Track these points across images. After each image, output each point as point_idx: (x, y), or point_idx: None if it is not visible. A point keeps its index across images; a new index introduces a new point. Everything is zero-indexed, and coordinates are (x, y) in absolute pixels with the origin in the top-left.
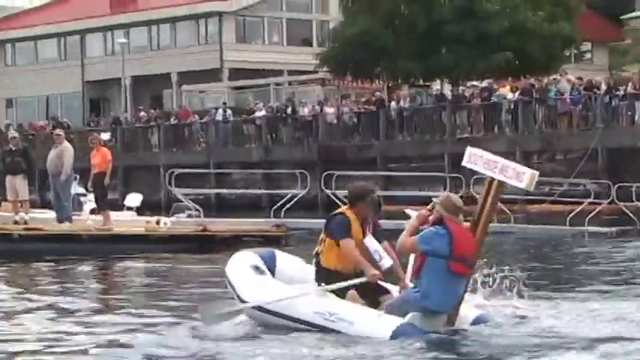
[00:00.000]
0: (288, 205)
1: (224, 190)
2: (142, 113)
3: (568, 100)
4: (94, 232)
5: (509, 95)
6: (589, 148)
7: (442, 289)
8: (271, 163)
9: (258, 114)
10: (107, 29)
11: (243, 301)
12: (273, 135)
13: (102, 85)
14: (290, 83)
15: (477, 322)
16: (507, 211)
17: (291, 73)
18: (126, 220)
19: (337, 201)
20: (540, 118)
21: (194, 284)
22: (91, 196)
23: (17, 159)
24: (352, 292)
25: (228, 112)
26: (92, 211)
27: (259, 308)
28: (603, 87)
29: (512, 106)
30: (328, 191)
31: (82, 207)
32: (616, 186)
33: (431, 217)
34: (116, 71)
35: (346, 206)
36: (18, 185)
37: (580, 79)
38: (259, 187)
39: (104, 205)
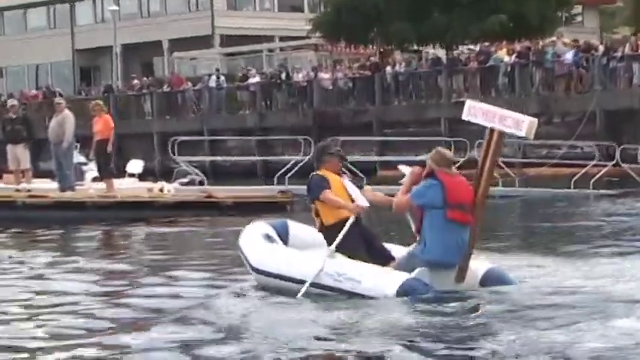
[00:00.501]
0: (292, 172)
1: (225, 157)
2: (135, 81)
3: (565, 62)
4: (98, 199)
5: (506, 58)
6: (587, 110)
7: (442, 238)
8: (266, 129)
9: (252, 80)
10: None
11: (253, 268)
12: (268, 101)
13: (92, 54)
14: (283, 49)
15: (487, 277)
16: (512, 174)
17: (282, 39)
18: (128, 187)
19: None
20: (537, 81)
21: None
22: (93, 165)
23: (17, 127)
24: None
25: (222, 78)
26: (94, 180)
27: (255, 270)
28: (601, 49)
29: (509, 69)
30: None
31: (83, 176)
32: (620, 147)
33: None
34: (106, 39)
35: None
36: (19, 154)
37: (576, 41)
38: (254, 153)
39: (107, 172)
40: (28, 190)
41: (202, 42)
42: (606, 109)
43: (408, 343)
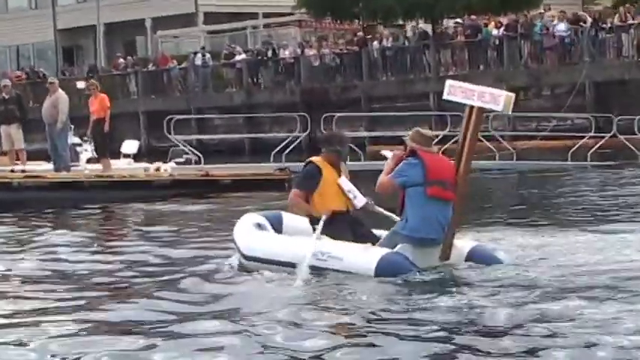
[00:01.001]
0: (289, 149)
1: (221, 136)
2: (120, 60)
3: (557, 34)
4: (96, 179)
5: (495, 32)
6: (576, 82)
7: (423, 214)
8: (252, 106)
9: (238, 58)
10: None
11: (243, 255)
12: (254, 79)
13: (74, 33)
14: (267, 26)
15: (473, 254)
16: (510, 148)
17: (266, 15)
18: (123, 168)
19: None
20: (526, 54)
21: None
22: (87, 146)
23: (11, 107)
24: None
25: (207, 56)
26: (89, 161)
27: (245, 257)
28: (589, 20)
29: (497, 43)
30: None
31: (78, 157)
32: (617, 119)
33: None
34: (88, 19)
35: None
36: (13, 134)
37: (563, 12)
38: (241, 131)
39: (104, 152)
40: (23, 171)
41: (185, 20)
42: (596, 80)
43: (379, 320)
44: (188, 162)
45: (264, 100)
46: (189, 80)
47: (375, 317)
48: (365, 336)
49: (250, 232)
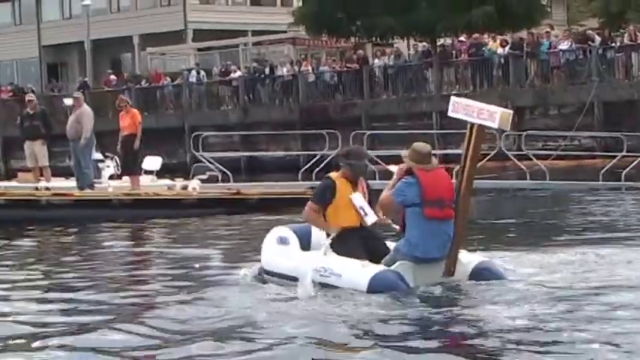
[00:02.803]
0: (320, 166)
1: (254, 153)
2: (112, 77)
3: (561, 53)
4: (125, 197)
5: (500, 50)
6: (584, 102)
7: (422, 235)
8: (249, 125)
9: (234, 75)
10: None
11: (263, 269)
12: (250, 96)
13: (59, 50)
14: (260, 43)
15: (477, 270)
16: (543, 167)
17: (255, 33)
18: (147, 185)
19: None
20: (532, 73)
21: None
22: (109, 162)
23: (36, 123)
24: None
25: (202, 73)
26: (111, 177)
27: (267, 272)
28: (597, 39)
29: (502, 61)
30: None
31: (100, 173)
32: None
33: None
34: (74, 35)
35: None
36: (37, 151)
37: (568, 31)
38: (238, 149)
39: (134, 169)
40: (47, 189)
41: (174, 37)
42: (605, 100)
43: (368, 336)
44: (212, 179)
45: (261, 118)
46: (184, 97)
47: (369, 332)
48: (357, 351)
49: (271, 247)
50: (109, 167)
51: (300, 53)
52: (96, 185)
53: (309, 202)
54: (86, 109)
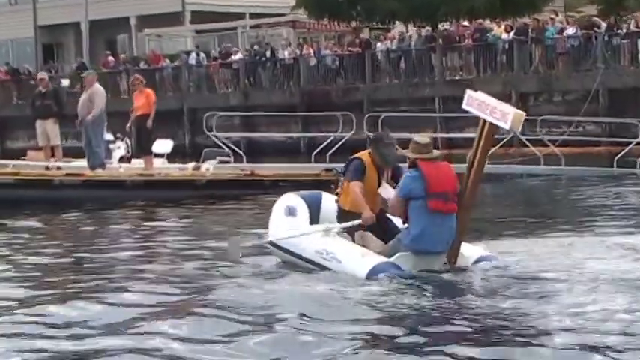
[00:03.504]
0: (333, 149)
1: (264, 135)
2: (110, 58)
3: (566, 39)
4: (138, 178)
5: (504, 35)
6: (589, 88)
7: (425, 227)
8: (249, 107)
9: (234, 57)
10: None
11: (269, 241)
12: (251, 79)
13: (55, 31)
14: (259, 26)
15: (480, 261)
16: (558, 153)
17: (253, 16)
18: (159, 168)
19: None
20: (537, 59)
21: None
22: (120, 143)
23: (47, 102)
24: (361, 232)
25: (202, 55)
26: (121, 159)
27: (273, 244)
28: (603, 26)
29: (506, 47)
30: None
31: (110, 154)
32: None
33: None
34: (70, 15)
35: (367, 150)
36: (49, 130)
37: (572, 17)
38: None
39: (147, 149)
40: (59, 168)
41: (171, 19)
42: (610, 87)
43: (371, 322)
44: (223, 162)
45: (261, 101)
46: (183, 80)
47: (368, 320)
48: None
49: (279, 217)
50: (120, 148)
51: (300, 37)
52: (107, 166)
53: (352, 182)
54: (98, 87)
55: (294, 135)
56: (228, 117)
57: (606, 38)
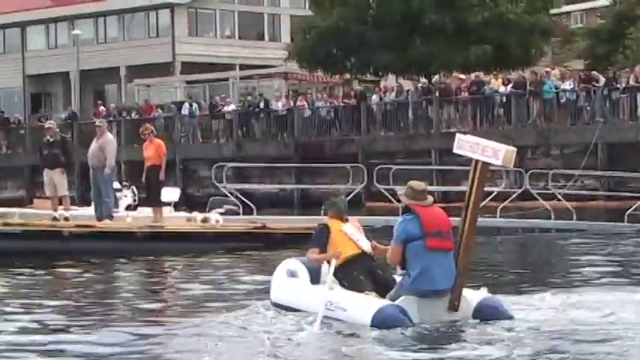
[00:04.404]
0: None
1: (276, 186)
2: (101, 108)
3: (565, 93)
4: (149, 230)
5: (502, 88)
6: (587, 142)
7: (425, 267)
8: (243, 159)
9: (227, 108)
10: (50, 21)
11: (271, 302)
12: (244, 130)
13: (43, 80)
14: (251, 77)
15: (481, 306)
16: (570, 207)
17: (243, 67)
18: (165, 217)
19: (390, 197)
20: (535, 113)
21: None
22: (127, 192)
23: (55, 151)
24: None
25: (195, 106)
26: (128, 207)
27: (276, 305)
28: (602, 80)
29: (504, 100)
30: (381, 187)
31: (117, 203)
32: None
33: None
34: (59, 65)
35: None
36: (56, 180)
37: (569, 70)
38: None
39: (157, 200)
40: (66, 218)
41: (161, 69)
42: (609, 141)
43: None
44: (230, 212)
45: (255, 152)
46: (175, 130)
47: None
48: None
49: (279, 281)
50: (127, 197)
51: (290, 88)
52: (114, 215)
53: (309, 249)
54: (109, 136)
55: (305, 187)
56: (219, 168)
57: (605, 92)
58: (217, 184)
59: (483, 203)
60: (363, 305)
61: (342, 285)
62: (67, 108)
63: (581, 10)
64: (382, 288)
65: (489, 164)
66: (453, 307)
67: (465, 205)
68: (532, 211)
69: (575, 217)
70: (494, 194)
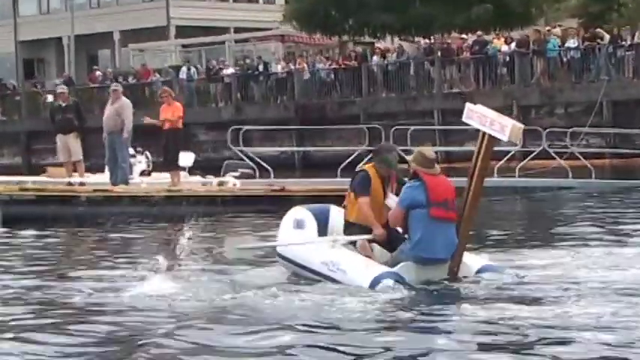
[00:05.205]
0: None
1: (307, 149)
2: (98, 73)
3: (570, 52)
4: (167, 193)
5: (504, 47)
6: (593, 101)
7: (427, 235)
8: (242, 122)
9: (226, 72)
10: None
11: (277, 254)
12: (243, 93)
13: (36, 46)
14: (247, 40)
15: (482, 271)
16: (589, 165)
17: (238, 30)
18: (183, 182)
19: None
20: (539, 71)
21: None
22: (141, 157)
23: (69, 116)
24: (362, 242)
25: (193, 70)
26: (142, 173)
27: (280, 255)
28: (607, 37)
29: (507, 59)
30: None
31: (131, 169)
32: None
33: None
34: (51, 31)
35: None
36: (71, 145)
37: (573, 28)
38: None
39: (176, 164)
40: (81, 184)
41: (155, 33)
42: (614, 99)
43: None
44: (245, 176)
45: (254, 115)
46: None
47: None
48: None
49: (287, 229)
50: (141, 162)
51: (287, 51)
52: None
53: (362, 199)
54: (125, 101)
55: (312, 149)
56: (221, 132)
57: (610, 50)
58: (233, 147)
59: (500, 163)
60: (363, 270)
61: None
62: (60, 74)
63: None
64: (391, 247)
65: (495, 137)
66: (453, 273)
67: (469, 174)
68: (549, 170)
69: (594, 175)
70: (511, 153)
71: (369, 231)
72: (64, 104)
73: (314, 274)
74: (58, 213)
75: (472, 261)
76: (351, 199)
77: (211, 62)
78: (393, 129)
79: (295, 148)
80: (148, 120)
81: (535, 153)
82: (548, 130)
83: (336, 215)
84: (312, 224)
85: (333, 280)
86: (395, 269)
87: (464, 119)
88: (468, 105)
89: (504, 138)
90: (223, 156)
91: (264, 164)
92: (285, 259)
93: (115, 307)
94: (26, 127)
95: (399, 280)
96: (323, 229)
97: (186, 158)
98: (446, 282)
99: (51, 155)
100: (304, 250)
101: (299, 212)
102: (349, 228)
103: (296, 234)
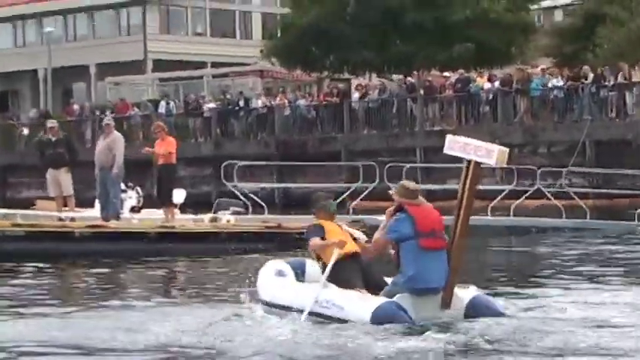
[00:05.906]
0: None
1: (292, 185)
2: (75, 106)
3: (553, 91)
4: (161, 230)
5: (487, 85)
6: (576, 140)
7: (419, 265)
8: (222, 158)
9: (206, 106)
10: (18, 19)
11: (260, 300)
12: (223, 129)
13: (11, 78)
14: (226, 75)
15: (473, 304)
16: (582, 205)
17: (215, 65)
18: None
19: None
20: (522, 110)
21: None
22: (131, 193)
23: (59, 150)
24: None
25: (172, 104)
26: (132, 209)
27: (268, 304)
28: (590, 76)
29: (489, 97)
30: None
31: (122, 204)
32: None
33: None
34: (26, 63)
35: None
36: (62, 179)
37: (557, 68)
38: (208, 183)
39: (170, 200)
40: (72, 219)
41: (132, 67)
42: (597, 139)
43: None
44: (236, 214)
45: (234, 151)
46: (151, 129)
47: None
48: None
49: (268, 279)
50: (131, 198)
51: (265, 86)
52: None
53: (311, 240)
54: (117, 135)
55: (310, 185)
56: (200, 168)
57: (593, 90)
58: (227, 183)
59: (494, 203)
60: (361, 303)
61: (333, 282)
62: (34, 106)
63: (540, 8)
64: (373, 288)
65: (482, 164)
66: (446, 304)
67: (457, 205)
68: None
69: (588, 216)
70: (505, 192)
71: (349, 257)
72: (54, 138)
73: (309, 315)
74: (51, 249)
75: (462, 292)
76: (312, 248)
77: (190, 97)
78: (387, 166)
79: (276, 185)
80: (147, 150)
81: (530, 192)
82: (541, 169)
83: (312, 267)
84: (291, 273)
85: (328, 317)
86: (394, 299)
87: (445, 151)
88: (449, 136)
89: (492, 162)
90: (201, 191)
91: (259, 200)
92: (274, 306)
93: None
94: (1, 160)
95: (400, 308)
96: (300, 280)
97: (176, 195)
98: (440, 315)
99: (25, 188)
100: (292, 293)
101: (277, 264)
102: (324, 267)
103: (279, 281)
